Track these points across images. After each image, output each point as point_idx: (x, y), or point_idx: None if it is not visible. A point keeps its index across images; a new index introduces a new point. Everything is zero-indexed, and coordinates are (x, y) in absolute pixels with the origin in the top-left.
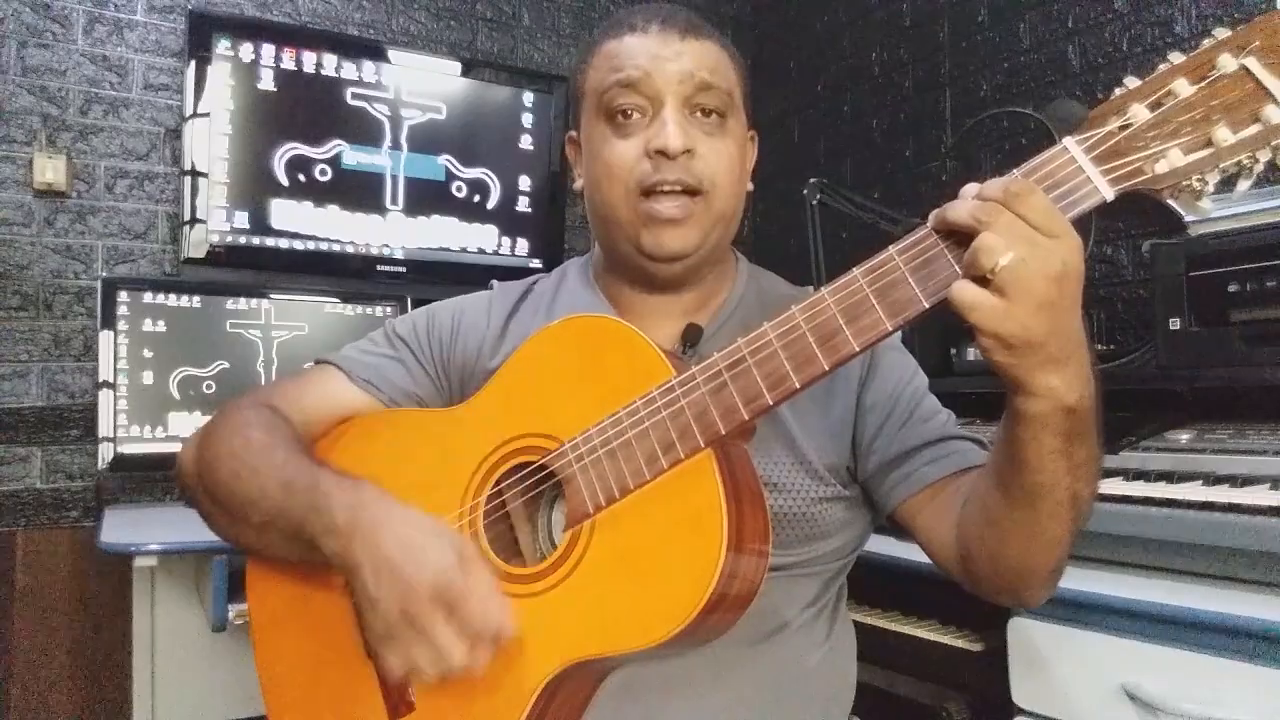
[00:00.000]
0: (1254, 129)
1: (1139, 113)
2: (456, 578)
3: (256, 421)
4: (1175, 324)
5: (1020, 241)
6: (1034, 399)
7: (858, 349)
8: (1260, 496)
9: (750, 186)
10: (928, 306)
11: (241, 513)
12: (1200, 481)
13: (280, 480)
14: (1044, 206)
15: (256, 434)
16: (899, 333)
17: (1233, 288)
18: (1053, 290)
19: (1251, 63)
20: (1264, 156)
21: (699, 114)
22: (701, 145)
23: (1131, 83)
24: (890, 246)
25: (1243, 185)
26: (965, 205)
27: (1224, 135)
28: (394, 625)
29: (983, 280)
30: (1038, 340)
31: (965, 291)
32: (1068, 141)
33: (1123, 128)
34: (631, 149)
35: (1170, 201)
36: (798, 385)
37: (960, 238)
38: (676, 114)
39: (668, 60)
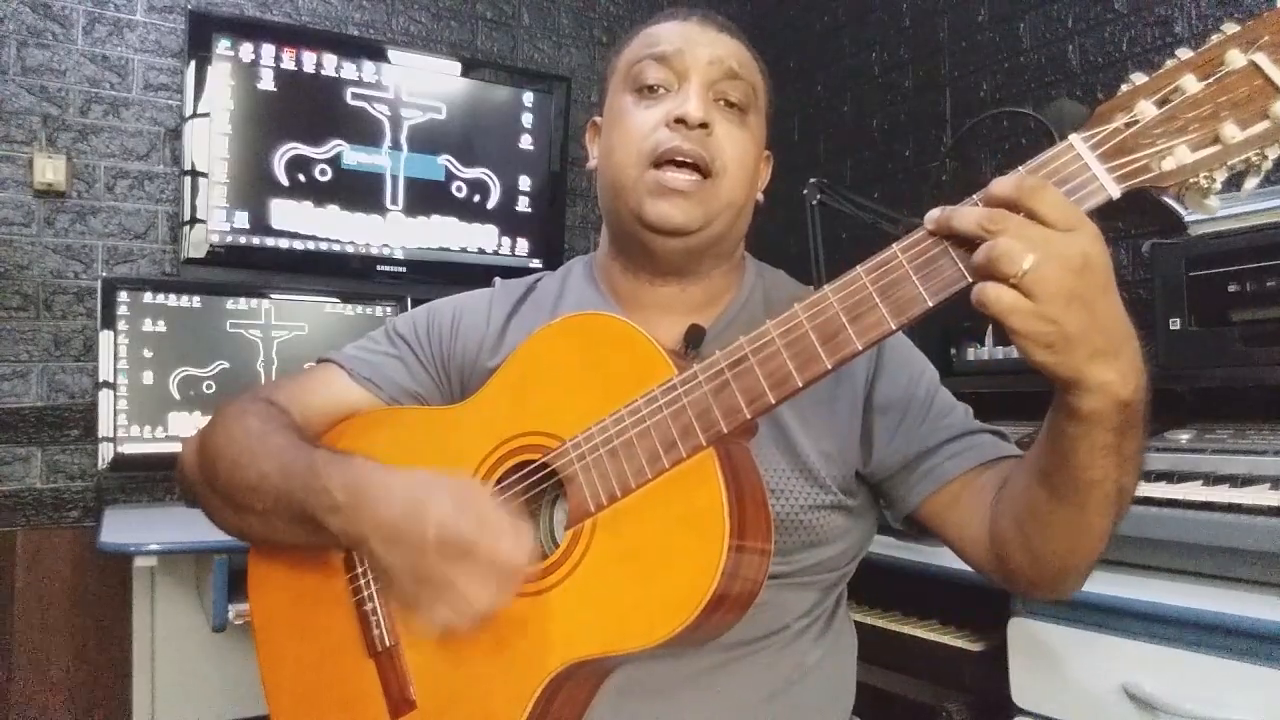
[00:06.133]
0: (1262, 125)
1: (1146, 109)
2: (459, 524)
3: (254, 412)
4: (1175, 324)
5: (1037, 242)
6: (1088, 395)
7: (861, 348)
8: (1260, 496)
9: (760, 199)
10: (931, 305)
11: (245, 501)
12: (1200, 481)
13: (278, 464)
14: (1058, 201)
15: (254, 423)
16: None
17: (1233, 288)
18: (1078, 283)
19: (1260, 58)
20: (1272, 153)
21: (722, 103)
22: (720, 127)
23: (1138, 79)
24: (894, 244)
25: (1250, 183)
26: (972, 214)
27: (1232, 132)
28: (412, 588)
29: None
30: (1076, 334)
31: (1001, 297)
32: (1074, 138)
33: (1129, 124)
34: (651, 117)
35: (1172, 201)
36: (800, 384)
37: (964, 236)
38: (701, 89)
39: (701, 44)
